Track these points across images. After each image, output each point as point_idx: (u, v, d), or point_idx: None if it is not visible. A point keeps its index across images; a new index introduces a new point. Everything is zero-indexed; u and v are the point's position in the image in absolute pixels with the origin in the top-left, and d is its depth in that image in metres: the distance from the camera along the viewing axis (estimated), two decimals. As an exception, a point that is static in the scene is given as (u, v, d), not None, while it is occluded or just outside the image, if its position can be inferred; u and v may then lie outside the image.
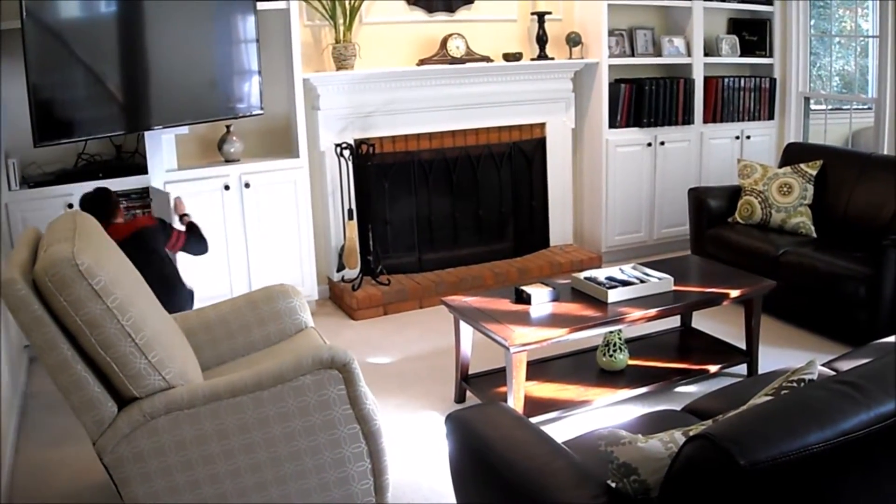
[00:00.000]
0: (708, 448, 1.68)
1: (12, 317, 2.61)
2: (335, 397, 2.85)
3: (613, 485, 2.02)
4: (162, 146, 5.08)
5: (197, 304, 4.29)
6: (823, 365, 2.99)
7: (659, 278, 4.28)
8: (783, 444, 1.65)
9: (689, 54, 6.75)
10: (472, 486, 2.52)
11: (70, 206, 4.74)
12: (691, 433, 1.93)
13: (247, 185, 5.33)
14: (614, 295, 4.11)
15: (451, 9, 6.09)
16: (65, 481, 3.64)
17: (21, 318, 2.59)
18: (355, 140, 5.77)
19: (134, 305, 2.72)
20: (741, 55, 7.02)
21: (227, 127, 5.39)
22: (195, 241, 4.57)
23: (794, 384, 2.09)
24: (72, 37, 4.37)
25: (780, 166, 5.84)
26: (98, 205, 4.24)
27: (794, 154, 5.92)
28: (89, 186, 4.81)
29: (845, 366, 2.87)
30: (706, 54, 6.81)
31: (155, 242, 4.35)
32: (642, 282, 4.25)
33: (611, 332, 4.21)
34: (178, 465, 2.77)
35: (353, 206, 5.78)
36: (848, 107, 7.21)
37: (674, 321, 4.88)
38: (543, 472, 2.16)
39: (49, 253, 2.62)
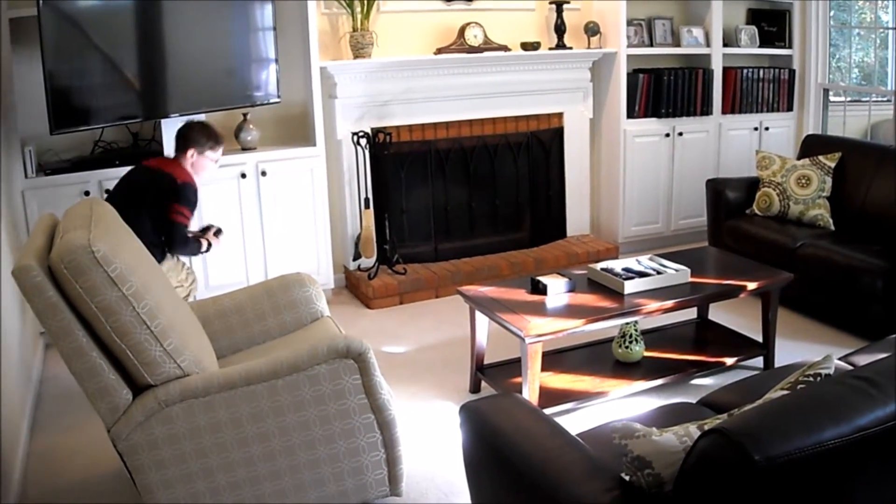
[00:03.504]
0: (722, 442, 1.67)
1: (28, 303, 2.62)
2: (350, 387, 2.85)
3: (627, 478, 2.02)
4: (179, 134, 5.08)
5: (213, 292, 4.29)
6: (840, 359, 2.97)
7: (676, 270, 4.26)
8: (798, 439, 1.64)
9: (707, 45, 6.71)
10: (486, 477, 2.52)
11: (87, 193, 4.76)
12: (706, 427, 1.92)
13: (263, 174, 5.34)
14: (631, 286, 4.09)
15: (468, -3, 6.07)
16: (79, 468, 3.67)
17: (36, 305, 2.60)
18: (372, 129, 5.76)
19: (149, 293, 2.73)
20: (760, 46, 6.97)
21: (244, 115, 5.39)
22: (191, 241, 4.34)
23: (811, 378, 2.08)
24: (88, 24, 4.38)
25: (799, 158, 5.80)
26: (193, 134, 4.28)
27: (812, 146, 5.88)
28: (106, 174, 4.83)
29: (862, 360, 2.85)
30: (725, 45, 6.76)
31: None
32: (659, 273, 4.23)
33: (627, 323, 4.20)
34: (191, 453, 2.79)
35: (370, 195, 5.78)
36: (867, 99, 7.16)
37: (690, 313, 4.86)
38: (557, 464, 2.15)
39: (65, 240, 2.63)
